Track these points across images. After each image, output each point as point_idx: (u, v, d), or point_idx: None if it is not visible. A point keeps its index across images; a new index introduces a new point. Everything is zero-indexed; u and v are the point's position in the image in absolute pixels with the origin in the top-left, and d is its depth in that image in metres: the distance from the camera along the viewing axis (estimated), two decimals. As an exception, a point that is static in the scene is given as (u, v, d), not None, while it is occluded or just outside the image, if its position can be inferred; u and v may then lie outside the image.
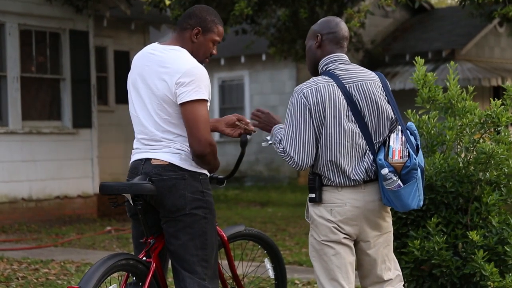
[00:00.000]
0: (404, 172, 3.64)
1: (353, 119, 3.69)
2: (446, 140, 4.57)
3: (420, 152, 3.73)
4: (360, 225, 3.73)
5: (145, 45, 11.48)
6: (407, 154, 3.66)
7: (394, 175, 3.63)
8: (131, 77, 3.86)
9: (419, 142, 3.78)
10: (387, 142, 3.72)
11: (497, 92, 17.82)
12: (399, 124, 3.77)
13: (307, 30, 13.93)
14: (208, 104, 3.73)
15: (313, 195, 3.73)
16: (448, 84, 4.74)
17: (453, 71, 4.73)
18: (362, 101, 3.71)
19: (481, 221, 4.51)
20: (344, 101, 3.69)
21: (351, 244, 3.76)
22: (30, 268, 7.39)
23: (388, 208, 3.82)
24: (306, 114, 3.66)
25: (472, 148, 4.55)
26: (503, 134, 4.55)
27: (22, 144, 11.25)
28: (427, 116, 4.65)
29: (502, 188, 4.54)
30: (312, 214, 3.76)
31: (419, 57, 4.80)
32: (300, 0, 12.00)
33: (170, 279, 4.76)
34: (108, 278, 3.62)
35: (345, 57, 3.82)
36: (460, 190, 4.50)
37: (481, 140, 4.54)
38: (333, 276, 3.72)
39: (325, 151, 3.68)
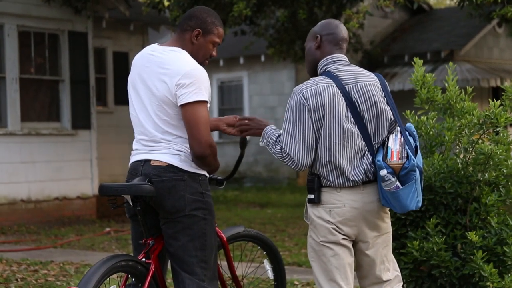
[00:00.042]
0: (403, 174, 3.64)
1: (352, 120, 3.70)
2: (445, 141, 4.58)
3: (419, 153, 3.73)
4: (359, 226, 3.73)
5: (144, 46, 11.49)
6: (405, 155, 3.66)
7: (392, 176, 3.63)
8: (131, 78, 3.86)
9: (418, 143, 3.78)
10: (386, 143, 3.72)
11: (496, 92, 17.83)
12: (398, 125, 3.77)
13: (306, 31, 13.94)
14: (208, 105, 3.73)
15: (312, 196, 3.73)
16: (447, 85, 4.74)
17: (452, 71, 4.74)
18: (361, 102, 3.71)
19: (480, 222, 4.52)
20: (344, 101, 3.69)
21: (350, 245, 3.76)
22: (29, 269, 7.39)
23: (387, 209, 3.83)
24: (305, 114, 3.66)
25: (471, 149, 4.55)
26: (502, 134, 4.55)
27: (21, 146, 11.25)
28: (426, 117, 4.65)
29: (501, 189, 4.54)
30: (311, 215, 3.76)
31: (417, 58, 4.80)
32: (299, 1, 12.01)
33: (169, 280, 4.76)
34: (108, 279, 3.62)
35: (344, 57, 3.82)
36: (459, 191, 4.50)
37: (480, 141, 4.54)
38: (331, 277, 3.72)
39: (324, 152, 3.68)
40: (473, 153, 4.53)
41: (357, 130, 3.70)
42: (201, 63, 3.79)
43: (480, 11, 11.25)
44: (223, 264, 4.28)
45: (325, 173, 3.70)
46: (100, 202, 11.95)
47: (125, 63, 13.40)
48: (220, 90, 19.64)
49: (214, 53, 3.88)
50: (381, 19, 19.15)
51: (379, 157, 3.67)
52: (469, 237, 4.35)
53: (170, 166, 3.71)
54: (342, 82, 3.72)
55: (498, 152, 4.41)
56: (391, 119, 3.76)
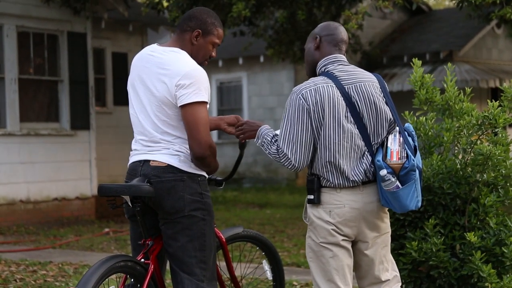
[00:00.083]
0: (403, 173, 3.65)
1: (352, 120, 3.70)
2: (444, 142, 4.58)
3: (418, 153, 3.74)
4: (358, 226, 3.73)
5: (143, 46, 11.49)
6: (405, 155, 3.67)
7: (392, 176, 3.63)
8: (131, 78, 3.86)
9: (416, 143, 3.78)
10: (385, 143, 3.73)
11: (495, 93, 17.84)
12: (397, 125, 3.77)
13: (305, 32, 13.93)
14: (208, 106, 3.74)
15: (311, 197, 3.73)
16: (445, 85, 4.75)
17: (451, 72, 4.74)
18: (361, 102, 3.72)
19: (478, 223, 4.52)
20: (343, 102, 3.70)
21: (349, 246, 3.76)
22: (28, 270, 7.39)
23: (386, 209, 3.83)
24: (304, 114, 3.66)
25: (469, 150, 4.56)
26: (500, 135, 4.55)
27: (20, 146, 11.25)
28: (424, 117, 4.66)
29: (499, 190, 4.55)
30: (310, 216, 3.77)
31: (416, 58, 4.81)
32: (298, 2, 12.01)
33: (168, 280, 4.76)
34: (106, 280, 3.62)
35: (343, 58, 3.83)
36: (457, 192, 4.50)
37: (478, 142, 4.54)
38: (330, 278, 3.72)
39: (324, 152, 3.68)
40: (472, 154, 4.53)
41: (357, 130, 3.70)
42: (200, 63, 3.80)
43: (479, 12, 11.25)
44: (222, 264, 4.29)
45: (325, 173, 3.70)
46: (99, 203, 11.95)
47: (124, 63, 13.40)
48: (219, 91, 19.64)
49: (213, 53, 3.88)
50: (380, 20, 19.16)
51: (379, 157, 3.67)
52: (467, 238, 4.36)
53: (169, 167, 3.71)
54: (342, 82, 3.72)
55: (497, 153, 4.42)
56: (390, 119, 3.76)
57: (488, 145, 4.48)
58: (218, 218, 10.94)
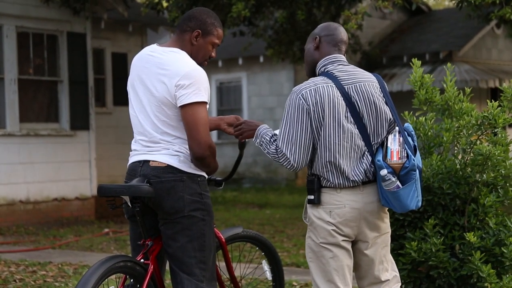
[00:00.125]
0: (403, 173, 3.65)
1: (352, 120, 3.70)
2: (443, 142, 4.58)
3: (418, 152, 3.74)
4: (359, 226, 3.73)
5: (142, 47, 11.48)
6: (405, 155, 3.67)
7: (392, 176, 3.64)
8: (130, 78, 3.87)
9: (416, 143, 3.79)
10: (385, 143, 3.73)
11: (495, 93, 17.84)
12: (397, 125, 3.78)
13: (304, 32, 13.92)
14: (207, 106, 3.74)
15: (312, 197, 3.73)
16: (445, 85, 4.75)
17: (450, 72, 4.74)
18: (360, 102, 3.72)
19: (478, 223, 4.52)
20: (343, 102, 3.70)
21: (349, 247, 3.76)
22: (28, 270, 7.39)
23: (386, 209, 3.83)
24: (304, 115, 3.66)
25: (469, 150, 4.56)
26: (500, 135, 4.55)
27: (20, 146, 11.25)
28: (424, 117, 4.66)
29: (499, 190, 4.55)
30: (311, 216, 3.76)
31: (416, 59, 4.81)
32: (298, 2, 12.01)
33: (168, 281, 4.76)
34: (106, 280, 3.62)
35: (343, 58, 3.83)
36: (457, 192, 4.50)
37: (478, 142, 4.55)
38: (329, 278, 3.72)
39: (324, 152, 3.68)
40: (471, 154, 4.53)
41: (357, 130, 3.71)
42: (200, 64, 3.79)
43: (479, 12, 11.26)
44: (222, 265, 4.28)
45: (325, 173, 3.70)
46: (99, 203, 11.95)
47: (123, 64, 13.40)
48: (219, 91, 19.65)
49: (213, 54, 3.88)
50: (379, 20, 19.16)
51: (379, 157, 3.67)
52: (467, 238, 4.36)
53: (169, 167, 3.71)
54: (341, 82, 3.72)
55: (496, 153, 4.42)
56: (390, 119, 3.77)
57: (488, 145, 4.48)
58: (217, 218, 10.94)
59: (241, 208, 13.93)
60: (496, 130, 4.56)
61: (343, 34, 3.85)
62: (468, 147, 4.55)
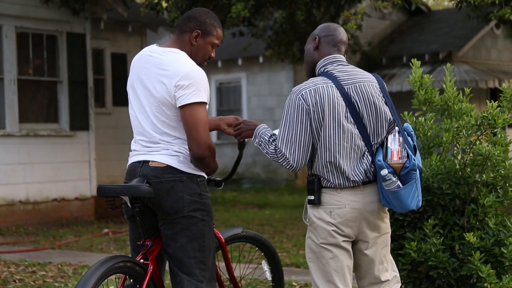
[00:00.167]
0: (403, 173, 3.65)
1: (352, 120, 3.70)
2: (443, 142, 4.58)
3: (418, 152, 3.74)
4: (359, 226, 3.74)
5: (142, 47, 11.48)
6: (405, 154, 3.67)
7: (393, 176, 3.64)
8: (130, 79, 3.87)
9: (416, 143, 3.79)
10: (385, 143, 3.73)
11: (494, 94, 17.84)
12: (396, 125, 3.78)
13: (304, 32, 13.90)
14: (207, 106, 3.74)
15: (312, 197, 3.73)
16: (444, 86, 4.75)
17: (450, 73, 4.74)
18: (360, 102, 3.72)
19: (477, 223, 4.52)
20: (343, 102, 3.70)
21: (349, 247, 3.76)
22: (28, 271, 7.39)
23: (387, 209, 3.83)
24: (303, 115, 3.66)
25: (468, 150, 4.56)
26: (499, 136, 4.56)
27: (19, 147, 11.25)
28: (423, 118, 4.66)
29: (498, 190, 4.55)
30: (311, 216, 3.77)
31: (415, 59, 4.81)
32: (297, 2, 12.01)
33: (167, 281, 4.76)
34: (106, 280, 3.62)
35: (342, 58, 3.83)
36: (456, 192, 4.51)
37: (477, 142, 4.55)
38: (329, 279, 3.72)
39: (324, 152, 3.69)
40: (471, 154, 4.53)
41: (357, 130, 3.71)
42: (200, 64, 3.80)
43: (478, 12, 11.26)
44: (221, 265, 4.29)
45: (325, 173, 3.70)
46: (98, 203, 11.95)
47: (123, 64, 13.40)
48: (218, 91, 19.65)
49: (213, 54, 3.88)
50: (379, 20, 19.17)
51: (380, 157, 3.67)
52: (467, 238, 4.36)
53: (168, 167, 3.71)
54: (341, 82, 3.72)
55: (496, 153, 4.42)
56: (390, 119, 3.77)
57: (487, 146, 4.48)
58: (217, 218, 10.94)
59: (240, 208, 13.93)
60: (495, 131, 4.56)
61: (342, 34, 3.85)
62: (468, 148, 4.56)
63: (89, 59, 12.18)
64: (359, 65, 17.15)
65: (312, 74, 3.87)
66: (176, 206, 3.70)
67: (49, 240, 9.78)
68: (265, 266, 4.65)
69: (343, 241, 3.72)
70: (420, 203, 3.74)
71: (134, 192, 3.67)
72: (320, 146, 3.69)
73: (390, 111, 3.78)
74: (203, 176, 3.80)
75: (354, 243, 3.79)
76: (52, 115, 11.86)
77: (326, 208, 3.71)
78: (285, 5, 12.31)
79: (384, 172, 3.63)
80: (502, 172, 4.50)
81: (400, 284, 3.90)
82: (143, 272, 3.72)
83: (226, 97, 19.66)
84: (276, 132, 3.80)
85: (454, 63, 16.70)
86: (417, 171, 3.67)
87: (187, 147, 3.71)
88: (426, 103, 4.79)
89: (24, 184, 11.28)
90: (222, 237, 4.26)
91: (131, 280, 3.75)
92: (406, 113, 4.67)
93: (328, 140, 3.68)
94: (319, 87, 3.70)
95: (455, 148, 4.67)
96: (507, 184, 4.55)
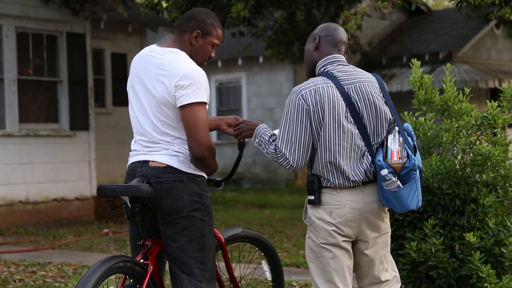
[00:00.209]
0: (404, 173, 3.65)
1: (352, 120, 3.71)
2: (443, 142, 4.58)
3: (418, 152, 3.74)
4: (359, 226, 3.74)
5: (142, 47, 11.48)
6: (405, 154, 3.67)
7: (393, 176, 3.64)
8: (130, 79, 3.87)
9: (416, 143, 3.79)
10: (385, 143, 3.73)
11: (494, 94, 17.84)
12: (396, 125, 3.78)
13: (304, 32, 13.89)
14: (207, 106, 3.74)
15: (312, 197, 3.73)
16: (444, 86, 4.75)
17: (450, 73, 4.74)
18: (360, 102, 3.72)
19: (477, 223, 4.52)
20: (343, 102, 3.70)
21: (349, 247, 3.76)
22: (27, 271, 7.39)
23: (387, 209, 3.83)
24: (303, 115, 3.67)
25: (468, 150, 4.56)
26: (499, 136, 4.56)
27: (19, 147, 11.25)
28: (423, 118, 4.66)
29: (498, 190, 4.55)
30: (311, 216, 3.77)
31: (415, 59, 4.81)
32: (297, 2, 12.01)
33: (167, 281, 4.76)
34: (106, 280, 3.62)
35: (342, 58, 3.83)
36: (456, 192, 4.51)
37: (477, 142, 4.55)
38: (329, 279, 3.72)
39: (324, 152, 3.69)
40: (471, 154, 4.53)
41: (357, 130, 3.71)
42: (200, 64, 3.80)
43: (478, 12, 11.26)
44: (221, 265, 4.29)
45: (325, 173, 3.70)
46: (98, 203, 11.95)
47: (123, 64, 13.40)
48: (218, 91, 19.65)
49: (213, 54, 3.88)
50: (379, 20, 19.16)
51: (380, 157, 3.68)
52: (466, 238, 4.36)
53: (168, 167, 3.71)
54: (341, 82, 3.72)
55: (496, 153, 4.42)
56: (390, 119, 3.77)
57: (487, 146, 4.48)
58: (217, 218, 10.94)
59: (240, 208, 13.93)
60: (495, 130, 4.56)
61: (342, 34, 3.85)
62: (468, 148, 4.56)
63: (89, 59, 12.18)
64: (359, 65, 17.15)
65: (312, 74, 3.87)
66: (176, 206, 3.70)
67: (49, 240, 9.78)
68: (265, 266, 4.65)
69: (343, 241, 3.72)
70: (420, 203, 3.74)
71: (134, 192, 3.67)
72: (320, 146, 3.69)
73: (390, 111, 3.78)
74: (203, 176, 3.80)
75: (354, 243, 3.79)
76: (52, 115, 11.86)
77: (326, 208, 3.71)
78: (285, 5, 12.31)
79: (384, 172, 3.64)
80: (502, 172, 4.50)
81: (400, 284, 3.90)
82: (143, 272, 3.72)
83: (226, 97, 19.66)
84: (276, 132, 3.80)
85: (454, 63, 16.70)
86: (417, 171, 3.67)
87: (187, 147, 3.71)
88: (426, 103, 4.79)
89: (24, 184, 11.28)
90: (222, 237, 4.26)
91: (131, 280, 3.75)
92: (406, 113, 4.67)
93: (328, 140, 3.68)
94: (319, 87, 3.70)
95: (455, 148, 4.67)
96: (507, 184, 4.55)
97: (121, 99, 12.98)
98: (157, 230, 3.83)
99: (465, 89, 4.78)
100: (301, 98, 3.68)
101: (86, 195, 12.01)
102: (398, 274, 3.91)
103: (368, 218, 3.74)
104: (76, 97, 11.95)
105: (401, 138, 3.72)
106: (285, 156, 3.68)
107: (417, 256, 4.44)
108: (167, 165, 3.71)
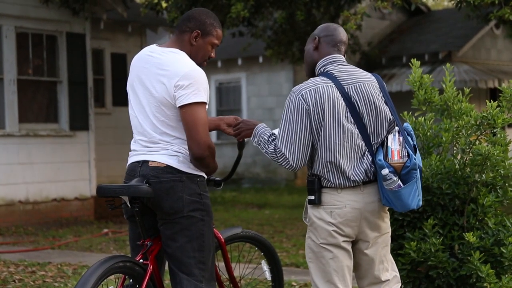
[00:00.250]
0: (404, 172, 3.65)
1: (352, 120, 3.71)
2: (442, 142, 4.59)
3: (418, 152, 3.75)
4: (359, 226, 3.74)
5: (142, 47, 11.49)
6: (406, 154, 3.68)
7: (394, 176, 3.64)
8: (130, 79, 3.87)
9: (415, 143, 3.79)
10: (385, 143, 3.73)
11: (494, 94, 17.84)
12: (396, 125, 3.78)
13: (303, 32, 13.90)
14: (207, 106, 3.74)
15: (312, 197, 3.73)
16: (444, 86, 4.75)
17: (450, 73, 4.75)
18: (360, 102, 3.72)
19: (477, 223, 4.52)
20: (343, 102, 3.70)
21: (349, 247, 3.76)
22: (27, 271, 7.39)
23: (387, 209, 3.84)
24: (303, 115, 3.67)
25: (468, 150, 4.56)
26: (499, 135, 4.56)
27: (19, 147, 11.25)
28: (423, 118, 4.66)
29: (498, 190, 4.55)
30: (311, 216, 3.77)
31: (415, 59, 4.81)
32: (297, 3, 12.01)
33: (167, 281, 4.76)
34: (105, 280, 3.62)
35: (342, 58, 3.83)
36: (456, 192, 4.51)
37: (477, 142, 4.55)
38: (329, 279, 3.73)
39: (324, 152, 3.69)
40: (471, 154, 4.53)
41: (357, 130, 3.71)
42: (199, 64, 3.80)
43: (478, 12, 11.27)
44: (221, 265, 4.29)
45: (325, 173, 3.70)
46: (98, 203, 11.95)
47: (123, 64, 13.40)
48: (218, 91, 19.65)
49: (213, 54, 3.88)
50: (379, 20, 19.17)
51: (380, 157, 3.68)
52: (466, 238, 4.36)
53: (168, 167, 3.71)
54: (341, 82, 3.73)
55: (495, 153, 4.42)
56: (390, 119, 3.77)
57: (487, 146, 4.48)
58: (217, 218, 10.95)
59: (240, 208, 13.93)
60: (495, 130, 4.56)
61: (342, 34, 3.86)
62: (467, 147, 4.56)
63: (89, 59, 12.18)
64: (359, 65, 17.15)
65: (312, 74, 3.87)
66: (175, 206, 3.70)
67: (49, 240, 9.78)
68: (264, 266, 4.65)
69: (343, 241, 3.72)
70: (421, 203, 3.74)
71: (134, 192, 3.67)
72: (320, 146, 3.69)
73: (390, 110, 3.78)
74: (203, 176, 3.80)
75: (354, 243, 3.79)
76: (52, 115, 11.86)
77: (327, 208, 3.71)
78: (285, 5, 12.31)
79: (385, 171, 3.64)
80: (502, 172, 4.51)
81: (400, 284, 3.90)
82: (142, 272, 3.72)
83: (226, 97, 19.66)
84: (275, 131, 3.80)
85: (454, 63, 16.71)
86: (418, 170, 3.67)
87: (186, 147, 3.71)
88: (426, 103, 4.79)
89: (23, 184, 11.28)
90: (221, 237, 4.26)
91: (131, 280, 3.75)
92: (405, 113, 4.67)
93: (328, 140, 3.68)
94: (319, 87, 3.70)
95: (455, 148, 4.67)
96: (506, 184, 4.55)
97: (121, 99, 12.98)
98: (156, 230, 3.83)
99: (465, 89, 4.78)
100: (301, 98, 3.68)
101: (85, 195, 12.01)
102: (398, 274, 3.91)
103: (369, 218, 3.74)
104: (76, 97, 11.95)
105: (401, 137, 3.72)
106: (284, 156, 3.68)
107: (416, 256, 4.44)
108: (167, 165, 3.71)
